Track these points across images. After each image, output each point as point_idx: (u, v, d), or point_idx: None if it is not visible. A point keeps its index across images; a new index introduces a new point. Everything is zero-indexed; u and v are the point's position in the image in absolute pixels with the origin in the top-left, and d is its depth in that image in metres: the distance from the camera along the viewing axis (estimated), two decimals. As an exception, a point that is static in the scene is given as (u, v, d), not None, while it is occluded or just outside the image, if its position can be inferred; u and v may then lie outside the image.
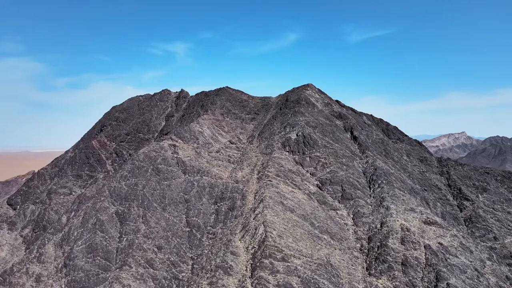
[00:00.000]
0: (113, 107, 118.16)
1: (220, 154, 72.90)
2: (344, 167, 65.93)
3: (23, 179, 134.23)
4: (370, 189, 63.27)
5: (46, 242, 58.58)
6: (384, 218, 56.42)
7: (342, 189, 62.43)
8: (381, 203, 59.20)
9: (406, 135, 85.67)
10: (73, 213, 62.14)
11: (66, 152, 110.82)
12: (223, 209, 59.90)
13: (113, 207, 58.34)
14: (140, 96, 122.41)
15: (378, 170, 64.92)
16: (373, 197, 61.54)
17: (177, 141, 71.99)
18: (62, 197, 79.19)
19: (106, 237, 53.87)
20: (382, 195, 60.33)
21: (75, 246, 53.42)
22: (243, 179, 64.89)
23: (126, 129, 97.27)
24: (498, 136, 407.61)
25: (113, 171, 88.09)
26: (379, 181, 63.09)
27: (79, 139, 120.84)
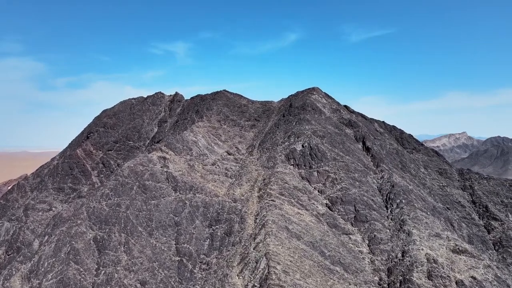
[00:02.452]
0: (103, 111, 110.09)
1: (216, 167, 64.93)
2: (357, 183, 57.99)
3: (9, 187, 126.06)
4: (387, 209, 55.34)
5: (14, 272, 50.67)
6: (405, 245, 48.49)
7: (355, 210, 54.50)
8: (401, 227, 51.26)
9: (422, 144, 77.61)
10: (46, 237, 54.18)
11: (52, 159, 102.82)
12: (218, 234, 51.94)
13: (91, 232, 50.31)
14: (133, 99, 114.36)
15: (396, 187, 56.97)
16: (391, 219, 53.60)
17: (167, 153, 64.01)
18: (40, 213, 71.24)
19: (81, 269, 45.85)
20: (402, 217, 52.40)
21: (44, 280, 45.41)
22: (242, 198, 56.94)
23: (115, 136, 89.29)
24: (499, 137, 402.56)
25: (99, 183, 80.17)
26: (398, 200, 55.15)
27: (67, 145, 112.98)
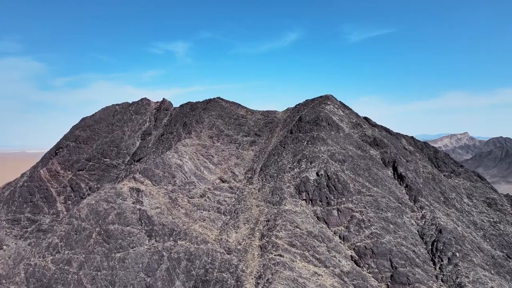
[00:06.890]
0: (82, 119, 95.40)
1: (205, 200, 50.66)
2: (391, 226, 43.72)
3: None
4: (435, 265, 41.06)
5: None
6: (469, 326, 34.30)
7: (392, 266, 40.23)
8: (459, 296, 37.02)
9: (462, 166, 63.23)
10: (-28, 305, 39.86)
11: (22, 175, 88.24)
12: (206, 303, 37.73)
13: (27, 305, 36.04)
14: (117, 105, 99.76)
15: (444, 232, 42.68)
16: (443, 281, 39.31)
17: (143, 182, 49.70)
18: (-14, 255, 56.81)
19: None
20: (459, 279, 38.12)
21: None
22: (239, 247, 42.67)
23: (88, 152, 74.93)
24: (501, 137, 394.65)
25: (64, 212, 65.89)
26: (449, 253, 40.85)
27: (39, 160, 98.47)
